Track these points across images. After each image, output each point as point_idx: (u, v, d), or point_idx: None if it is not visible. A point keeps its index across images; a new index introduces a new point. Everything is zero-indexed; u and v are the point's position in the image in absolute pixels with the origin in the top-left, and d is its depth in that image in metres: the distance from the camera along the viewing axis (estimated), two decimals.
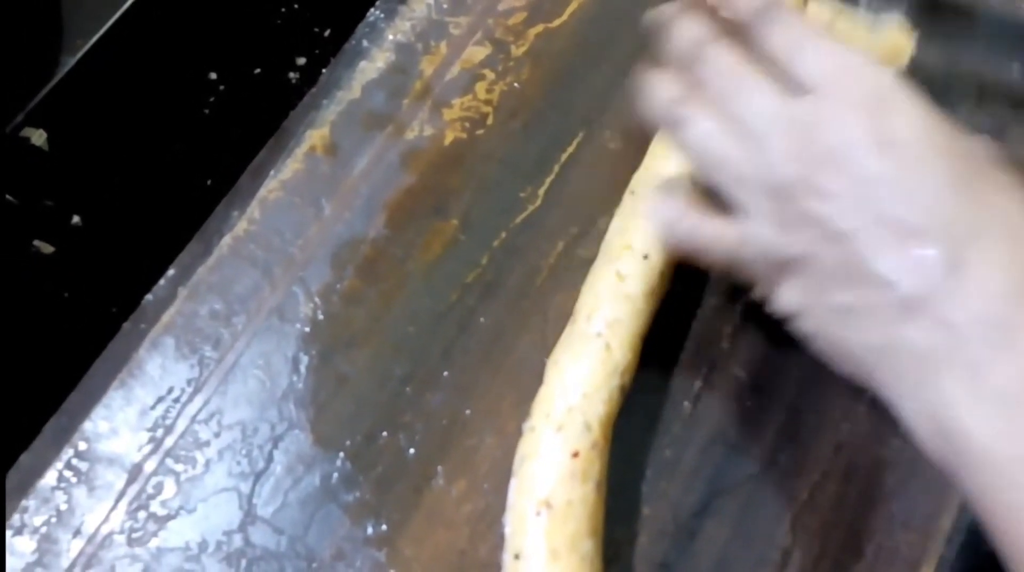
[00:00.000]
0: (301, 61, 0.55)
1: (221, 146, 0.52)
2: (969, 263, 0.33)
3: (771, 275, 0.37)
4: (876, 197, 0.34)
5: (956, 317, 0.33)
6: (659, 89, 0.40)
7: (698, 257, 0.39)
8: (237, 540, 0.39)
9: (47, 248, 0.47)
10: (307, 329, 0.43)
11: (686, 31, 0.40)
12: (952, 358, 0.33)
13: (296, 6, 0.56)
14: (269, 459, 0.40)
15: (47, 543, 0.39)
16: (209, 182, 0.50)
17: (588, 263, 0.43)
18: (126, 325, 0.42)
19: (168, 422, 0.41)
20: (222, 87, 0.53)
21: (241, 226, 0.44)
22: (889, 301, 0.34)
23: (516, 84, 0.49)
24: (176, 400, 0.41)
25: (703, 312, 0.45)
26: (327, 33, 0.56)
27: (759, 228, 0.37)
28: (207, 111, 0.53)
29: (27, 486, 0.39)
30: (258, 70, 0.55)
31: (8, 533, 0.38)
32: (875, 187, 0.34)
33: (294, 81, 0.55)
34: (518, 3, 0.51)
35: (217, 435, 0.41)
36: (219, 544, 0.39)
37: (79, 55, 0.47)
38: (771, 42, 0.38)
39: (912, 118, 0.35)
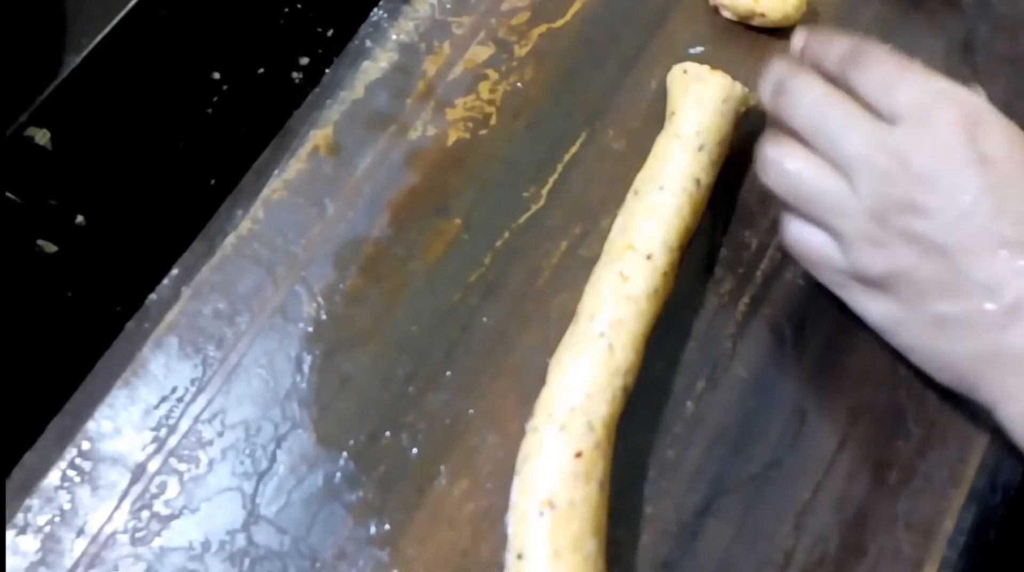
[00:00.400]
0: (304, 61, 0.55)
1: (224, 145, 0.52)
2: None
3: (867, 287, 0.40)
4: (974, 211, 0.36)
5: None
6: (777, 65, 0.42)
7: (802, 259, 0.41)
8: (240, 540, 0.39)
9: (50, 247, 0.47)
10: (310, 329, 0.43)
11: (782, 71, 0.42)
12: None
13: (299, 6, 0.56)
14: (272, 459, 0.40)
15: (50, 542, 0.39)
16: (213, 181, 0.50)
17: (591, 263, 0.43)
18: (130, 324, 0.42)
19: (171, 421, 0.41)
20: (225, 87, 0.54)
21: (245, 225, 0.44)
22: (991, 309, 0.36)
23: (519, 84, 0.49)
24: (180, 399, 0.41)
25: (705, 312, 0.45)
26: (330, 33, 0.56)
27: (856, 249, 0.39)
28: (210, 111, 0.53)
29: (30, 485, 0.39)
30: (261, 70, 0.55)
31: (11, 532, 0.38)
32: (973, 202, 0.36)
33: (297, 81, 0.55)
34: (521, 3, 0.50)
35: (220, 434, 0.41)
36: (222, 544, 0.39)
37: (83, 54, 0.47)
38: (863, 81, 0.39)
39: (1004, 136, 0.37)
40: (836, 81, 0.41)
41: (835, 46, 0.41)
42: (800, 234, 0.41)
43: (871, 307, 0.40)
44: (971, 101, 0.38)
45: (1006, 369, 0.37)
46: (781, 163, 0.40)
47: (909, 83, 0.39)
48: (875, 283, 0.39)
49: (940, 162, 0.37)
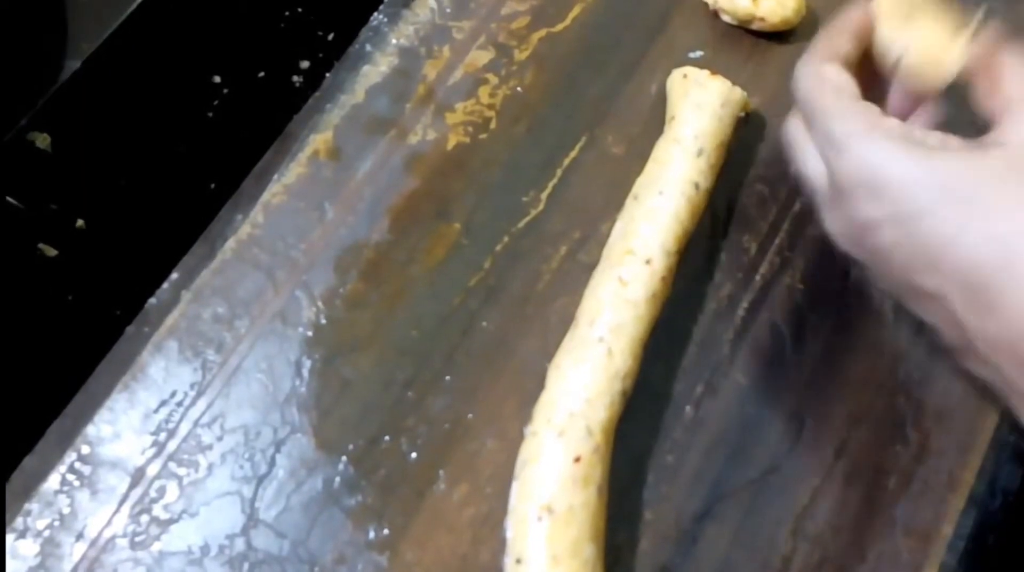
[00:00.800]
0: (305, 64, 0.55)
1: (225, 149, 0.52)
2: None
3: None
4: None
5: None
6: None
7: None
8: (239, 544, 0.39)
9: (51, 251, 0.47)
10: (310, 333, 0.43)
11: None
12: None
13: (300, 9, 0.56)
14: (271, 463, 0.40)
15: (50, 547, 0.39)
16: (213, 185, 0.50)
17: (590, 268, 0.43)
18: (130, 329, 0.42)
19: (171, 426, 0.41)
20: (226, 90, 0.54)
21: (245, 230, 0.44)
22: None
23: (519, 88, 0.49)
24: (179, 404, 0.41)
25: (704, 317, 0.45)
26: (331, 37, 0.56)
27: None
28: (211, 114, 0.53)
29: (30, 490, 0.39)
30: (262, 73, 0.55)
31: (11, 537, 0.39)
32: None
33: (298, 84, 0.55)
34: (521, 7, 0.51)
35: (220, 439, 0.41)
36: (221, 548, 0.39)
37: (84, 59, 0.47)
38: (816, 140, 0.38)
39: None
40: None
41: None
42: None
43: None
44: None
45: None
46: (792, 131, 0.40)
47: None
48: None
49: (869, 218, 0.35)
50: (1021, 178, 0.34)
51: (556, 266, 0.45)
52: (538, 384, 0.41)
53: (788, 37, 0.51)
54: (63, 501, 0.39)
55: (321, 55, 0.56)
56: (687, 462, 0.42)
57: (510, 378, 0.43)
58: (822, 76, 0.38)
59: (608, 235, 0.44)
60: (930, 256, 0.34)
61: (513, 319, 0.44)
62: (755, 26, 0.50)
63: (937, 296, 0.35)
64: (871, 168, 0.35)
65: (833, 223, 0.38)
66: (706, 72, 0.46)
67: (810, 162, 0.39)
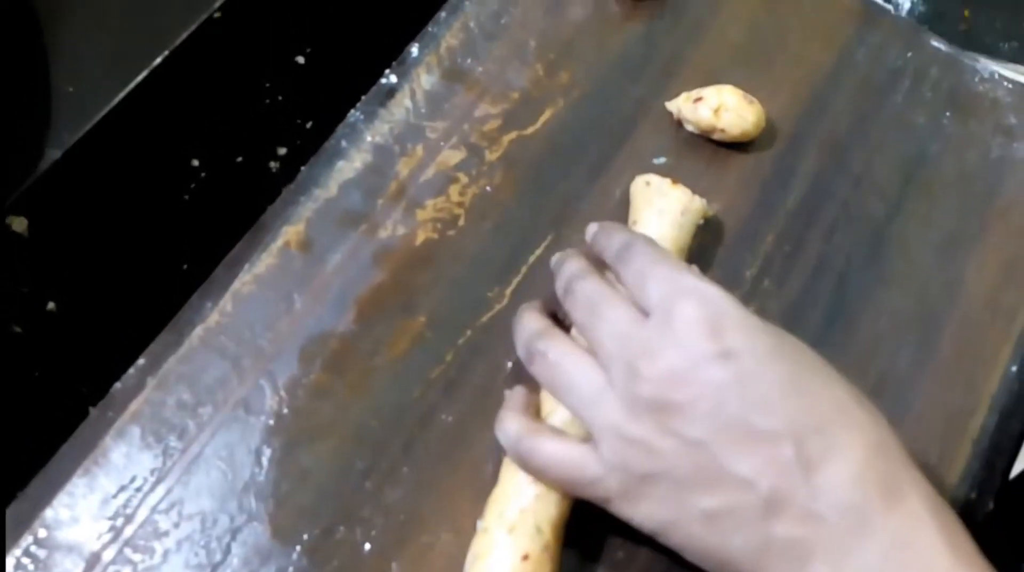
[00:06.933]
0: (282, 151, 0.57)
1: (199, 231, 0.53)
2: (818, 455, 0.36)
3: (628, 492, 0.39)
4: (724, 404, 0.37)
5: (817, 508, 0.36)
6: (525, 323, 0.44)
7: (542, 477, 0.40)
8: None
9: (17, 328, 0.48)
10: (271, 422, 0.44)
11: (566, 268, 0.44)
12: (818, 547, 0.36)
13: (280, 98, 0.58)
14: (227, 551, 0.41)
15: None
16: (185, 266, 0.51)
17: None
18: (94, 412, 0.43)
19: (129, 511, 0.41)
20: (203, 174, 0.55)
21: (213, 318, 0.45)
22: (753, 501, 0.37)
23: (488, 188, 0.51)
24: (138, 489, 0.41)
25: None
26: (309, 125, 0.58)
27: (614, 448, 0.39)
28: (187, 197, 0.54)
29: None
30: (239, 158, 0.56)
31: None
32: (721, 396, 0.37)
33: (274, 170, 0.57)
34: (494, 110, 0.53)
35: (177, 525, 0.41)
36: None
37: (65, 149, 0.48)
38: (625, 275, 0.42)
39: (742, 329, 0.39)
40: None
41: (613, 239, 0.43)
42: (556, 449, 0.40)
43: (639, 511, 0.39)
44: (714, 297, 0.39)
45: (780, 558, 0.36)
46: (546, 353, 0.41)
47: (658, 279, 0.40)
48: (638, 486, 0.39)
49: (686, 357, 0.38)
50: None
51: (516, 360, 0.46)
52: (494, 477, 0.42)
53: (747, 147, 0.53)
54: None
55: (298, 142, 0.57)
56: (638, 558, 0.43)
57: (466, 471, 0.44)
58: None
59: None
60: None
61: (472, 412, 0.45)
62: (716, 136, 0.52)
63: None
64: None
65: None
66: (668, 180, 0.48)
67: (612, 323, 0.41)
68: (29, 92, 0.50)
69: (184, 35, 0.53)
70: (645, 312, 0.40)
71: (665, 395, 0.38)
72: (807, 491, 0.36)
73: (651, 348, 0.38)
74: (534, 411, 0.43)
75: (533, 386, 0.43)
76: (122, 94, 0.50)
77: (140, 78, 0.51)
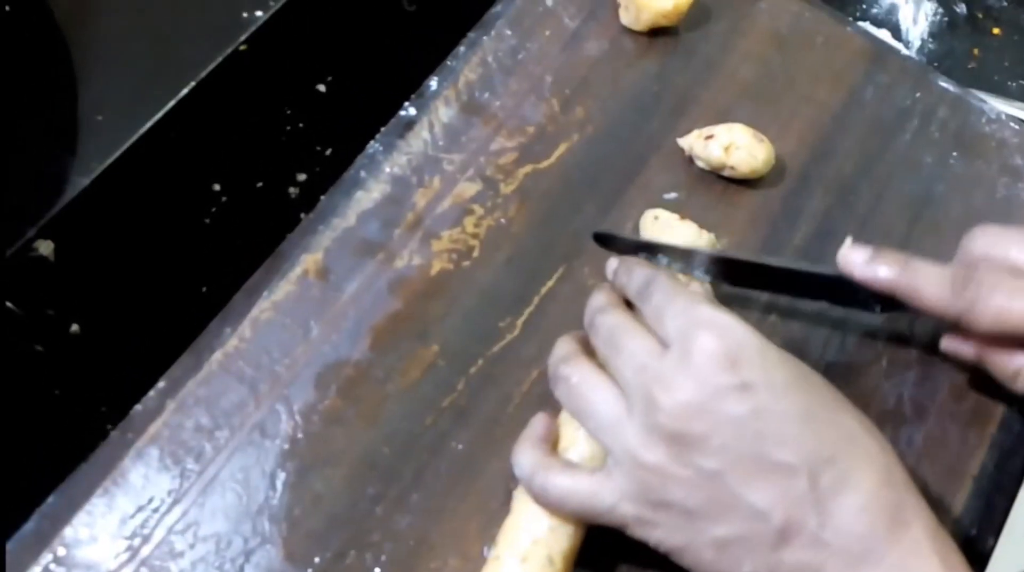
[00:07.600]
0: (302, 177, 0.58)
1: (219, 257, 0.54)
2: (830, 487, 0.37)
3: (642, 517, 0.40)
4: (740, 437, 0.38)
5: (826, 536, 0.37)
6: (556, 348, 0.45)
7: (558, 511, 0.41)
8: None
9: (39, 347, 0.49)
10: (286, 446, 0.45)
11: (592, 301, 0.45)
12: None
13: (301, 125, 0.60)
14: None
15: None
16: (205, 289, 0.52)
17: None
18: (114, 433, 0.44)
19: (146, 531, 0.42)
20: (224, 198, 0.56)
21: (232, 343, 0.46)
22: (766, 531, 0.38)
23: (503, 220, 0.52)
24: (155, 510, 0.42)
25: None
26: (328, 152, 0.59)
27: (631, 474, 0.40)
28: (208, 221, 0.56)
29: None
30: (260, 183, 0.57)
31: None
32: (738, 428, 0.38)
33: (293, 196, 0.58)
34: (510, 144, 0.54)
35: (192, 546, 0.42)
36: None
37: (92, 177, 0.50)
38: (646, 309, 0.42)
39: (759, 361, 0.39)
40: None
41: (634, 276, 0.44)
42: (569, 483, 0.41)
43: (653, 535, 0.40)
44: (731, 327, 0.40)
45: None
46: (569, 378, 0.42)
47: (675, 311, 0.41)
48: (652, 513, 0.40)
49: (703, 390, 0.38)
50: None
51: (527, 390, 0.48)
52: (502, 505, 0.43)
53: (757, 184, 0.54)
54: None
55: (318, 169, 0.58)
56: None
57: (476, 498, 0.45)
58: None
59: None
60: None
61: (482, 441, 0.46)
62: (726, 173, 0.53)
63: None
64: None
65: None
66: (676, 216, 0.49)
67: (633, 356, 0.41)
68: (58, 120, 0.52)
69: (210, 67, 0.55)
70: (665, 344, 0.41)
71: (682, 426, 0.38)
72: (818, 520, 0.37)
73: (669, 380, 0.39)
74: (553, 441, 0.43)
75: (553, 414, 0.44)
76: (148, 124, 0.52)
77: (166, 108, 0.53)
